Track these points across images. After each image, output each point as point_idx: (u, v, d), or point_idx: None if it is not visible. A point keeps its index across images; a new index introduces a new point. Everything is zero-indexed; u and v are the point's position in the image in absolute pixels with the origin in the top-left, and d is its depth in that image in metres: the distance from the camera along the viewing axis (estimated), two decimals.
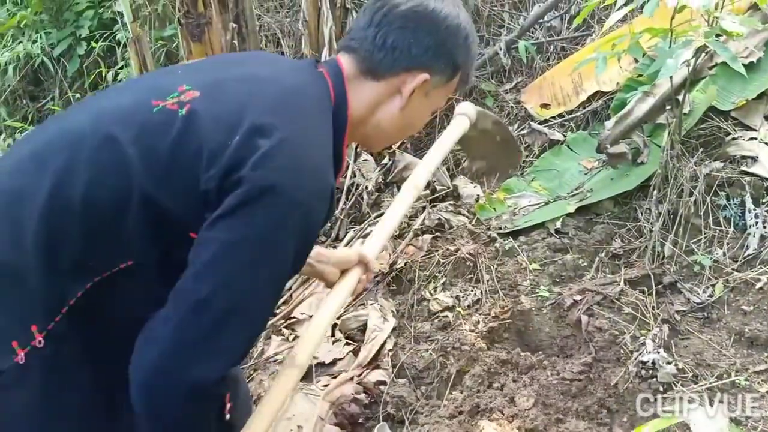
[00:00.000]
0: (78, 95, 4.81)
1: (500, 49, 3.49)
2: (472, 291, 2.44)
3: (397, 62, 1.11)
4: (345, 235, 2.92)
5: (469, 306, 2.38)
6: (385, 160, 3.20)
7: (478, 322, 2.28)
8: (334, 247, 2.88)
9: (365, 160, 3.23)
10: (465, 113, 1.62)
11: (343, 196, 3.08)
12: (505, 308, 2.29)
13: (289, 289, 2.77)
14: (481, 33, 3.77)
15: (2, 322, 0.95)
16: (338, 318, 2.45)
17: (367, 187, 3.05)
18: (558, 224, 2.64)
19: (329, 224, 3.00)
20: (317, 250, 1.40)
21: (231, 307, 0.91)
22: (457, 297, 2.43)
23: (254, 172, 0.92)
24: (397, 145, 3.27)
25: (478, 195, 3.01)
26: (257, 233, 0.92)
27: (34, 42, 5.19)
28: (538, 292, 2.34)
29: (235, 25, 3.03)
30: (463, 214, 2.89)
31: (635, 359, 1.96)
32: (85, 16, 5.19)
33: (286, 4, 3.95)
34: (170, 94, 1.01)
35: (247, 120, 0.96)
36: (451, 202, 2.98)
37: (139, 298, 0.97)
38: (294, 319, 2.58)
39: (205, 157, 0.94)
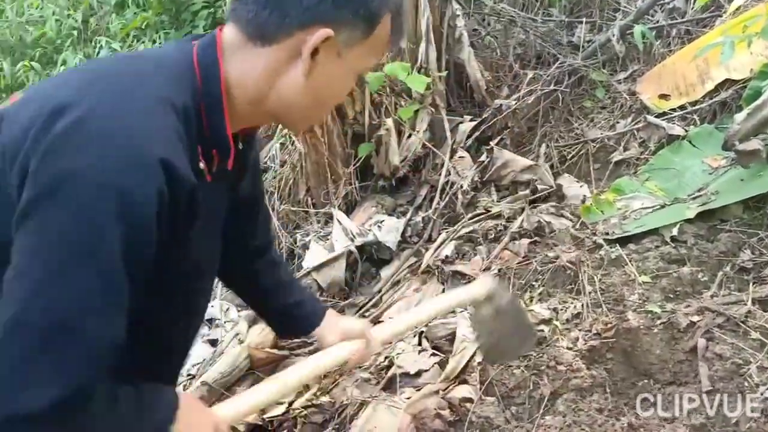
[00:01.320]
0: None
1: (613, 35, 3.20)
2: (572, 303, 2.24)
3: (288, 18, 0.90)
4: (438, 236, 2.80)
5: (567, 320, 2.18)
6: (483, 157, 3.03)
7: (578, 339, 2.08)
8: (426, 249, 2.77)
9: (461, 157, 3.08)
10: (485, 283, 1.59)
11: (437, 195, 2.96)
12: (609, 325, 2.07)
13: (379, 291, 2.70)
14: (593, 18, 3.48)
15: None
16: (425, 325, 2.35)
17: (462, 186, 2.90)
18: (675, 231, 2.35)
19: (421, 224, 2.89)
20: (328, 315, 1.41)
21: (49, 323, 0.77)
22: (554, 309, 2.23)
23: (46, 161, 0.78)
24: (496, 140, 3.09)
25: (584, 196, 2.78)
26: (61, 232, 0.77)
27: (154, 42, 5.47)
28: (648, 309, 2.09)
29: None
30: (566, 217, 2.67)
31: (761, 395, 1.69)
32: (200, 16, 5.39)
33: None
34: None
35: (49, 105, 0.81)
36: (554, 204, 2.76)
37: None
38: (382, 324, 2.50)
39: (7, 161, 0.82)
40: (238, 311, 2.85)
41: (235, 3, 0.94)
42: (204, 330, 2.69)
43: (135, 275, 0.81)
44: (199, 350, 2.57)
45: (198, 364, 2.49)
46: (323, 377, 2.36)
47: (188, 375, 2.42)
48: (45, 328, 0.76)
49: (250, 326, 2.56)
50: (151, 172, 0.79)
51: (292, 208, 3.16)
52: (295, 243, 3.01)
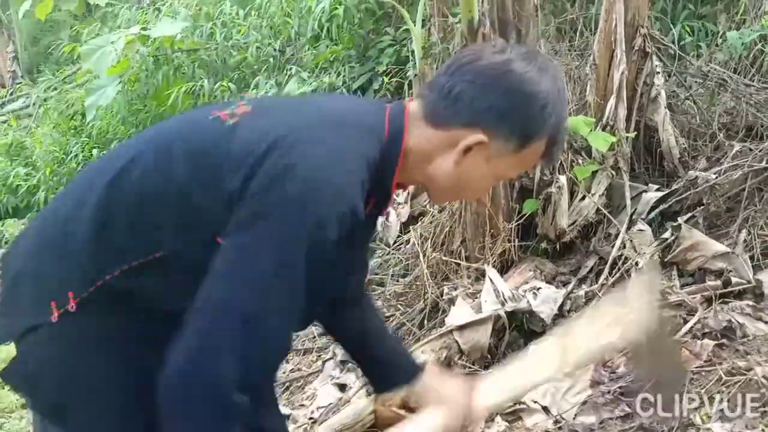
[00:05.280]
0: None
1: None
2: (763, 430, 1.82)
3: (457, 115, 1.06)
4: None
5: None
6: (667, 234, 2.65)
7: None
8: None
9: (640, 230, 2.72)
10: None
11: (606, 269, 2.63)
12: None
13: None
14: None
15: (50, 279, 1.04)
16: None
17: (637, 264, 2.55)
18: None
19: (584, 299, 2.58)
20: (428, 378, 1.37)
21: (249, 312, 0.94)
22: None
23: (272, 184, 0.95)
24: (685, 217, 2.70)
25: None
26: (270, 242, 0.94)
27: (339, 74, 5.69)
28: None
29: None
30: (765, 321, 2.23)
31: None
32: (385, 53, 5.52)
33: (576, 46, 3.62)
34: (228, 107, 1.10)
35: (278, 131, 1.00)
36: (750, 302, 2.32)
37: (170, 289, 1.03)
38: (524, 406, 2.22)
39: (232, 159, 0.99)
40: None
41: (425, 88, 1.13)
42: (336, 372, 2.61)
43: (301, 298, 0.97)
44: (326, 392, 2.48)
45: (323, 407, 2.40)
46: None
47: (310, 418, 2.33)
48: (245, 316, 0.93)
49: None
50: (342, 222, 0.97)
51: (444, 258, 3.00)
52: (441, 295, 2.84)
